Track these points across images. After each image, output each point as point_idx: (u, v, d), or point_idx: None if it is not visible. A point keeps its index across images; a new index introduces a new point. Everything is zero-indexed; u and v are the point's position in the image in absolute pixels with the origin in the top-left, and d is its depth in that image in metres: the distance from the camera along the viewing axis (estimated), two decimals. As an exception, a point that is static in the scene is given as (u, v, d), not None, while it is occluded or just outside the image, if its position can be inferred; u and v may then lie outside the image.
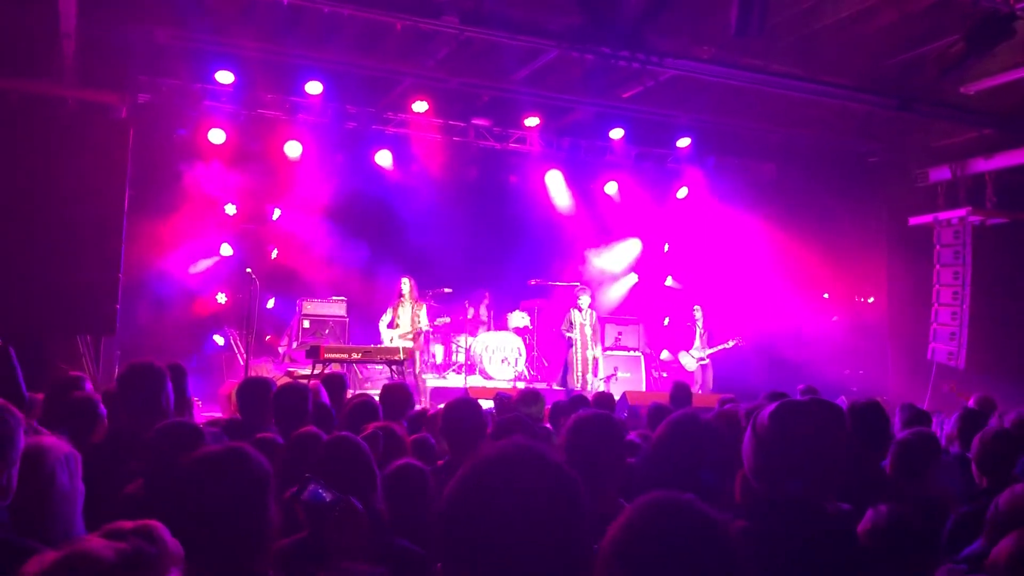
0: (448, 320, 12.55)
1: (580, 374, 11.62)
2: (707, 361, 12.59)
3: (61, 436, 2.75)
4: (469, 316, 13.15)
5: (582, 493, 1.36)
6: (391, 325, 11.48)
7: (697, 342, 12.59)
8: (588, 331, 11.79)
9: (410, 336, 11.31)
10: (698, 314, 12.73)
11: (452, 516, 1.35)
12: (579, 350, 11.68)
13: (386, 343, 11.15)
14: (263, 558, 2.25)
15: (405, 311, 11.46)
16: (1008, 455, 3.91)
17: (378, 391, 6.51)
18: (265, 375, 9.98)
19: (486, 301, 13.31)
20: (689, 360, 12.66)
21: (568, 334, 11.70)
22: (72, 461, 2.61)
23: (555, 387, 11.72)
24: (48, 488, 2.51)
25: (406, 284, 11.55)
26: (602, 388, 11.31)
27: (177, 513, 2.10)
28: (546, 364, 13.46)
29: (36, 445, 2.55)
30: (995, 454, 3.94)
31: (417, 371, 11.46)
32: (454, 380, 12.13)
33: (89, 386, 5.02)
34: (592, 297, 12.31)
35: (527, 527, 1.30)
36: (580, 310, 11.83)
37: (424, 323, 11.54)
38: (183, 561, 1.66)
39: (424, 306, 11.63)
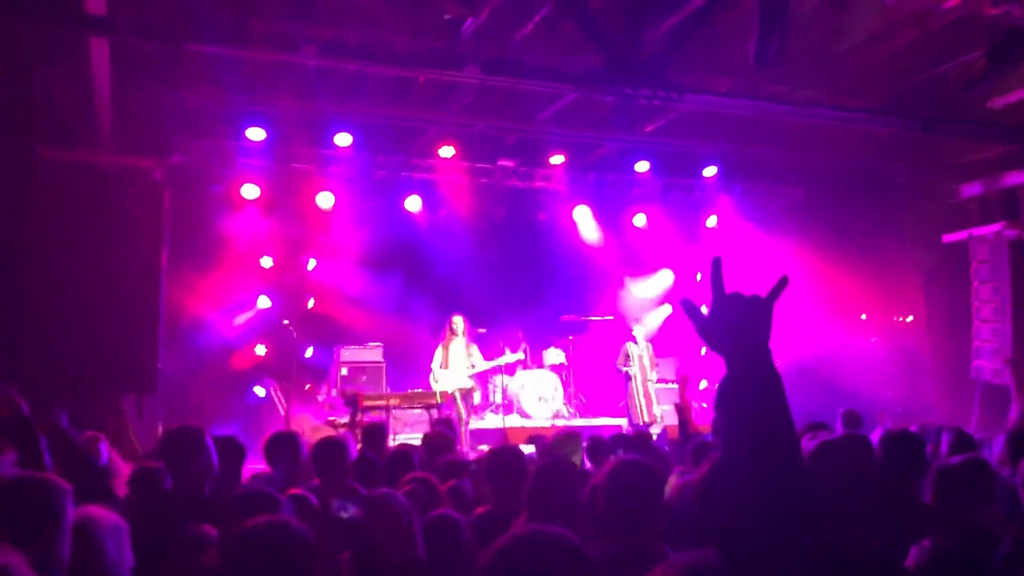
0: (524, 356, 12.33)
1: (644, 407, 11.49)
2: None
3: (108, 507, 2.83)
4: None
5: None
6: (443, 366, 11.08)
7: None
8: (647, 363, 11.70)
9: (469, 375, 11.07)
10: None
11: None
12: (639, 384, 11.58)
13: (440, 384, 10.88)
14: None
15: (457, 349, 11.10)
16: None
17: (419, 435, 6.57)
18: (306, 424, 10.12)
19: (523, 343, 13.34)
20: None
21: (625, 369, 11.61)
22: (120, 532, 2.68)
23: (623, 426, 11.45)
24: (98, 559, 2.58)
25: (460, 322, 11.18)
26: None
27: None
28: (583, 400, 13.42)
29: (85, 516, 2.61)
30: None
31: (464, 414, 10.98)
32: (492, 420, 12.14)
33: (104, 447, 5.15)
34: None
35: None
36: (636, 342, 11.77)
37: (480, 362, 11.19)
38: None
39: (475, 345, 11.32)
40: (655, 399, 11.66)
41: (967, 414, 10.87)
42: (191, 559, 2.87)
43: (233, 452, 4.43)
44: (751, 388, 1.61)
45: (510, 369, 12.63)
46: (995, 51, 8.16)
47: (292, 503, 3.80)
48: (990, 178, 11.71)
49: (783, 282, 1.74)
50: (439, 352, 11.19)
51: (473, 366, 11.10)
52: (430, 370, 11.15)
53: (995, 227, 11.31)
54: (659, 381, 12.62)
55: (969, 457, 4.38)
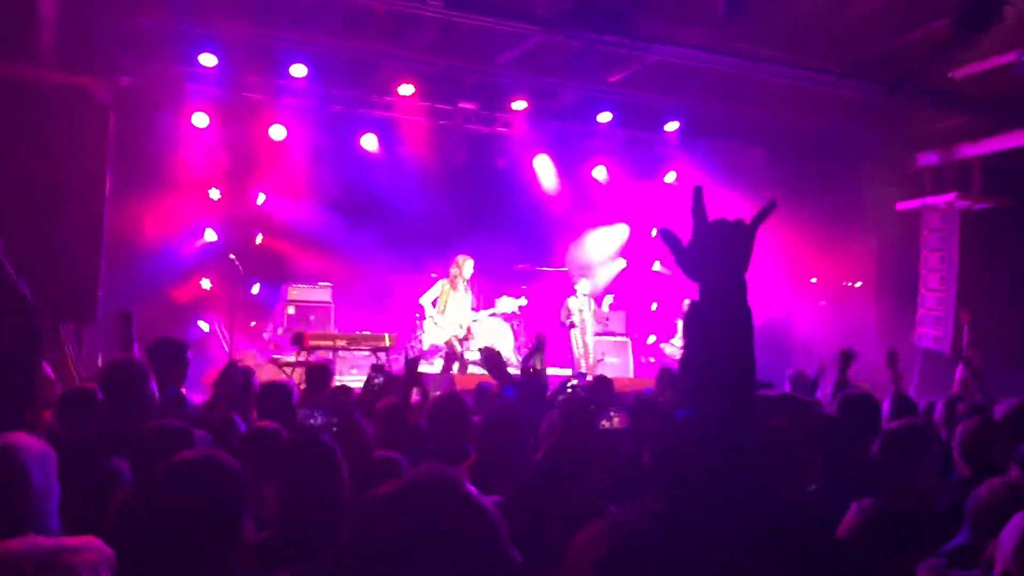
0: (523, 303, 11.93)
1: (583, 359, 11.54)
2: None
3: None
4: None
5: (493, 524, 1.39)
6: (441, 311, 10.59)
7: (679, 332, 12.60)
8: (588, 316, 11.68)
9: (464, 327, 10.62)
10: (686, 306, 12.70)
11: (368, 531, 1.39)
12: (579, 336, 11.60)
13: (438, 328, 10.55)
14: (237, 557, 2.23)
15: (457, 297, 10.60)
16: (989, 443, 3.87)
17: (363, 378, 6.49)
18: (249, 362, 9.95)
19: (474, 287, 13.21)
20: (673, 349, 12.68)
21: (568, 321, 11.61)
22: (47, 459, 2.58)
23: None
24: (22, 486, 2.47)
25: (469, 265, 10.65)
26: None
27: (155, 517, 2.10)
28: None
29: (9, 443, 2.51)
30: (977, 442, 3.90)
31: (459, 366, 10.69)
32: (440, 366, 12.05)
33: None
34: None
35: (431, 546, 1.34)
36: (577, 297, 11.75)
37: (470, 312, 10.75)
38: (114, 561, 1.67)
39: (471, 293, 10.86)
40: (592, 352, 11.75)
41: (907, 379, 11.07)
42: (105, 495, 2.75)
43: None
44: (720, 319, 1.61)
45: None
46: (961, 19, 8.16)
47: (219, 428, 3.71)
48: (946, 149, 11.80)
49: (771, 205, 1.68)
50: (443, 294, 10.67)
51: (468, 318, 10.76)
52: (420, 311, 10.71)
53: (948, 197, 11.45)
54: (605, 334, 12.62)
55: (912, 421, 4.43)
